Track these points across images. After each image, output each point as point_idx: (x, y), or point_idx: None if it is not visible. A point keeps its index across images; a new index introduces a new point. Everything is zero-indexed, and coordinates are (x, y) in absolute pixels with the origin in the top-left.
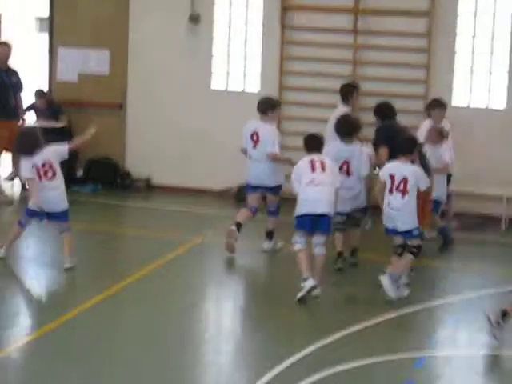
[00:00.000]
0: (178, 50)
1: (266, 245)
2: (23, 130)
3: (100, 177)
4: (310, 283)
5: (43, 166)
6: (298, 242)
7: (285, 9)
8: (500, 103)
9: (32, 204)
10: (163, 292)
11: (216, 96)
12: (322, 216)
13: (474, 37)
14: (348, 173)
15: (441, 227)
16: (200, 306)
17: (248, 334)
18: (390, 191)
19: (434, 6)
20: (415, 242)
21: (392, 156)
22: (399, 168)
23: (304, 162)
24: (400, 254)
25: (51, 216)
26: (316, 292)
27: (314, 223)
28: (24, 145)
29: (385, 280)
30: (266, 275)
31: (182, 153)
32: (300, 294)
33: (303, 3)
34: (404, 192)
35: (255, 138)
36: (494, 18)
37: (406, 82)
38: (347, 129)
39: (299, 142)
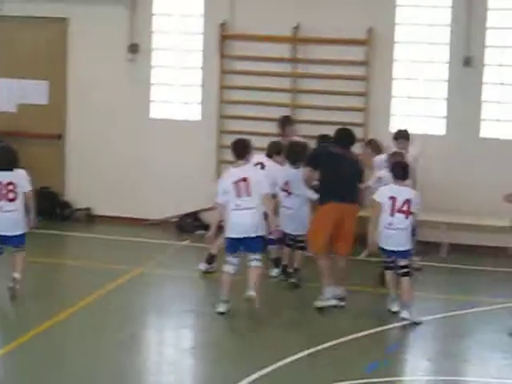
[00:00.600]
0: (117, 79)
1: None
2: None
3: (40, 207)
4: (222, 308)
5: (8, 184)
6: (228, 263)
7: (224, 38)
8: (439, 129)
9: None
10: (103, 322)
11: (155, 125)
12: (250, 238)
13: (411, 63)
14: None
15: None
16: (139, 336)
17: (188, 363)
18: (392, 212)
19: (371, 34)
20: (406, 261)
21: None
22: (400, 191)
23: (229, 181)
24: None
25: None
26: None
27: (243, 244)
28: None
29: (406, 314)
30: (204, 302)
31: (123, 182)
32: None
33: (242, 32)
34: (407, 213)
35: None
36: (430, 46)
37: (345, 110)
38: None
39: None
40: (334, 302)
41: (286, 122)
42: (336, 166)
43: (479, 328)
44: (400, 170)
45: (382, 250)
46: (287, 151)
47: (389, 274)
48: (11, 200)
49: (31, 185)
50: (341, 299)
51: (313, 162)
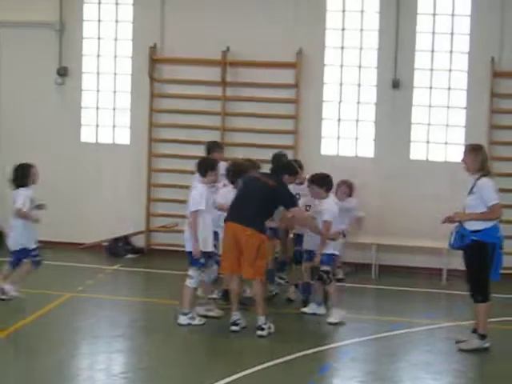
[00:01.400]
0: (47, 103)
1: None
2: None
3: None
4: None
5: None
6: (191, 277)
7: (153, 61)
8: (368, 152)
9: None
10: (33, 348)
11: (87, 149)
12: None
13: (341, 86)
14: None
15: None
16: (70, 361)
17: None
18: None
19: (301, 57)
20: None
21: None
22: None
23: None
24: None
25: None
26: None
27: None
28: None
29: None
30: (135, 326)
31: (54, 206)
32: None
33: (171, 56)
34: None
35: None
36: (359, 69)
37: (276, 132)
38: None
39: (171, 193)
40: (235, 327)
41: (213, 148)
42: (243, 188)
43: (411, 349)
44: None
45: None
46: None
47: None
48: None
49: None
50: (258, 328)
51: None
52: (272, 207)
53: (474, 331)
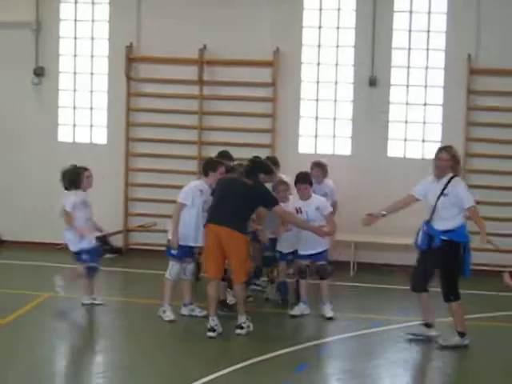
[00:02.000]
0: (24, 102)
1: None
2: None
3: None
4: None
5: None
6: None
7: (130, 60)
8: (345, 149)
9: None
10: (12, 349)
11: (63, 148)
12: None
13: (318, 84)
14: None
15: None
16: (50, 361)
17: None
18: None
19: (278, 55)
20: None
21: None
22: None
23: None
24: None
25: None
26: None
27: None
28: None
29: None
30: (114, 325)
31: (32, 207)
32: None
33: (148, 55)
34: None
35: None
36: (336, 66)
37: (253, 131)
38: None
39: (148, 193)
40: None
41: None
42: (223, 190)
43: (389, 346)
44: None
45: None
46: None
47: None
48: None
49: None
50: (238, 327)
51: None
52: (252, 208)
53: (426, 325)
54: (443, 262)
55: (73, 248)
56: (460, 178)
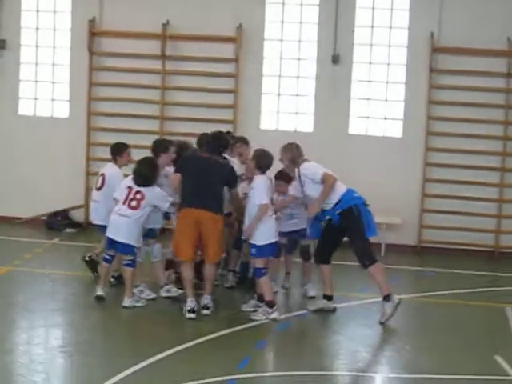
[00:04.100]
0: None
1: None
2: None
3: None
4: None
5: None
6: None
7: (92, 34)
8: (308, 126)
9: None
10: None
11: (24, 122)
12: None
13: (280, 61)
14: None
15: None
16: (8, 336)
17: (58, 362)
18: None
19: (241, 31)
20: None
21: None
22: None
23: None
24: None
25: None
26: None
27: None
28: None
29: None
30: (73, 300)
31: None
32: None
33: (111, 29)
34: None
35: None
36: (299, 43)
37: (215, 107)
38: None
39: None
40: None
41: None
42: (195, 171)
43: (348, 323)
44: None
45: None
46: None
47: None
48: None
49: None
50: (204, 307)
51: (178, 166)
52: (223, 185)
53: (325, 297)
54: (347, 232)
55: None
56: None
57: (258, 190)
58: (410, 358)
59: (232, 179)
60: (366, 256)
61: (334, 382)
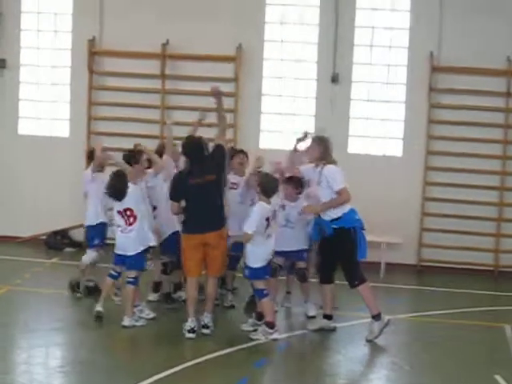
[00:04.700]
0: None
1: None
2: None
3: None
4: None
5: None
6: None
7: (92, 54)
8: (307, 145)
9: None
10: None
11: (24, 141)
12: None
13: (280, 80)
14: None
15: None
16: (7, 355)
17: (57, 382)
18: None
19: (241, 51)
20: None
21: None
22: None
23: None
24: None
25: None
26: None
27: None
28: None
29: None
30: (73, 320)
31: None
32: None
33: (111, 49)
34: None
35: None
36: (299, 63)
37: (215, 126)
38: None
39: None
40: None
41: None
42: (192, 199)
43: (348, 343)
44: None
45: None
46: None
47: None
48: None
49: None
50: (204, 326)
51: (173, 196)
52: (223, 196)
53: (325, 316)
54: (338, 249)
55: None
56: (333, 165)
57: (251, 218)
58: (409, 377)
59: (223, 165)
60: (355, 276)
61: None
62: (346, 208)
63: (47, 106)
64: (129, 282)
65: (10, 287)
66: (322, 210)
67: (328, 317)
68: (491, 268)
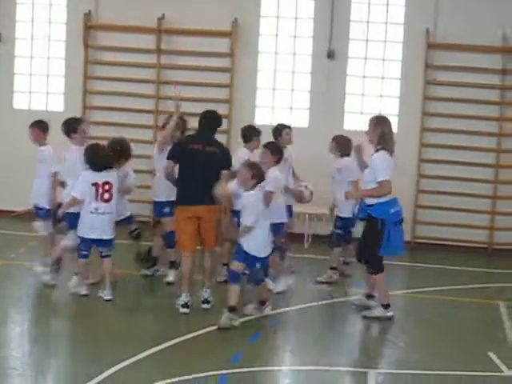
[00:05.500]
0: None
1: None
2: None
3: None
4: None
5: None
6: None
7: (88, 28)
8: (303, 122)
9: None
10: None
11: (19, 115)
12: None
13: (276, 56)
14: None
15: None
16: (1, 331)
17: (56, 355)
18: None
19: (236, 26)
20: None
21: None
22: None
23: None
24: None
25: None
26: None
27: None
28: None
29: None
30: (67, 294)
31: None
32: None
33: (107, 23)
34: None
35: None
36: (295, 38)
37: (210, 101)
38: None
39: None
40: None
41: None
42: (190, 166)
43: (343, 319)
44: None
45: None
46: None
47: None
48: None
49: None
50: (205, 301)
51: (172, 155)
52: (219, 174)
53: (368, 296)
54: (365, 234)
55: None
56: (385, 152)
57: (248, 210)
58: (402, 354)
59: (227, 165)
60: (374, 265)
61: (327, 376)
62: (383, 198)
63: (42, 80)
64: (107, 256)
65: (5, 261)
66: (360, 197)
67: (385, 306)
68: (485, 245)
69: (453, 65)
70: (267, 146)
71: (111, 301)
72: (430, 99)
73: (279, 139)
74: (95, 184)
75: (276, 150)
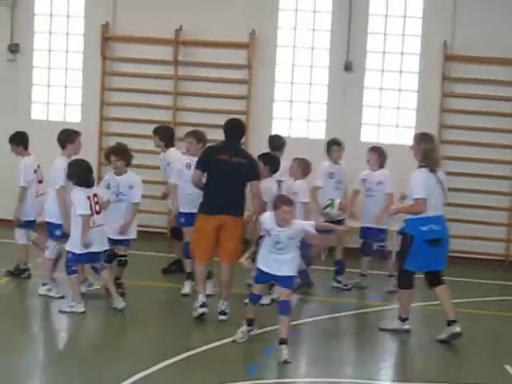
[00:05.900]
0: None
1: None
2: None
3: None
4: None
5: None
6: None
7: (105, 39)
8: (319, 133)
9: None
10: None
11: (36, 126)
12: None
13: (293, 67)
14: None
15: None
16: (17, 338)
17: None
18: None
19: (254, 37)
20: None
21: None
22: None
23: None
24: None
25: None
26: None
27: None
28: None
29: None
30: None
31: (3, 185)
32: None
33: (124, 34)
34: None
35: None
36: (312, 50)
37: (227, 113)
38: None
39: None
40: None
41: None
42: (216, 177)
43: (361, 330)
44: None
45: None
46: None
47: None
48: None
49: None
50: (222, 313)
51: (199, 165)
52: (245, 186)
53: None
54: (399, 250)
55: None
56: (424, 170)
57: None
58: (420, 366)
59: (254, 176)
60: (400, 280)
61: None
62: (419, 215)
63: (60, 91)
64: (103, 268)
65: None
66: (396, 212)
67: (402, 319)
68: (502, 258)
69: (470, 77)
70: (261, 157)
71: (124, 309)
72: (447, 111)
73: (328, 155)
74: (88, 198)
75: (268, 161)
